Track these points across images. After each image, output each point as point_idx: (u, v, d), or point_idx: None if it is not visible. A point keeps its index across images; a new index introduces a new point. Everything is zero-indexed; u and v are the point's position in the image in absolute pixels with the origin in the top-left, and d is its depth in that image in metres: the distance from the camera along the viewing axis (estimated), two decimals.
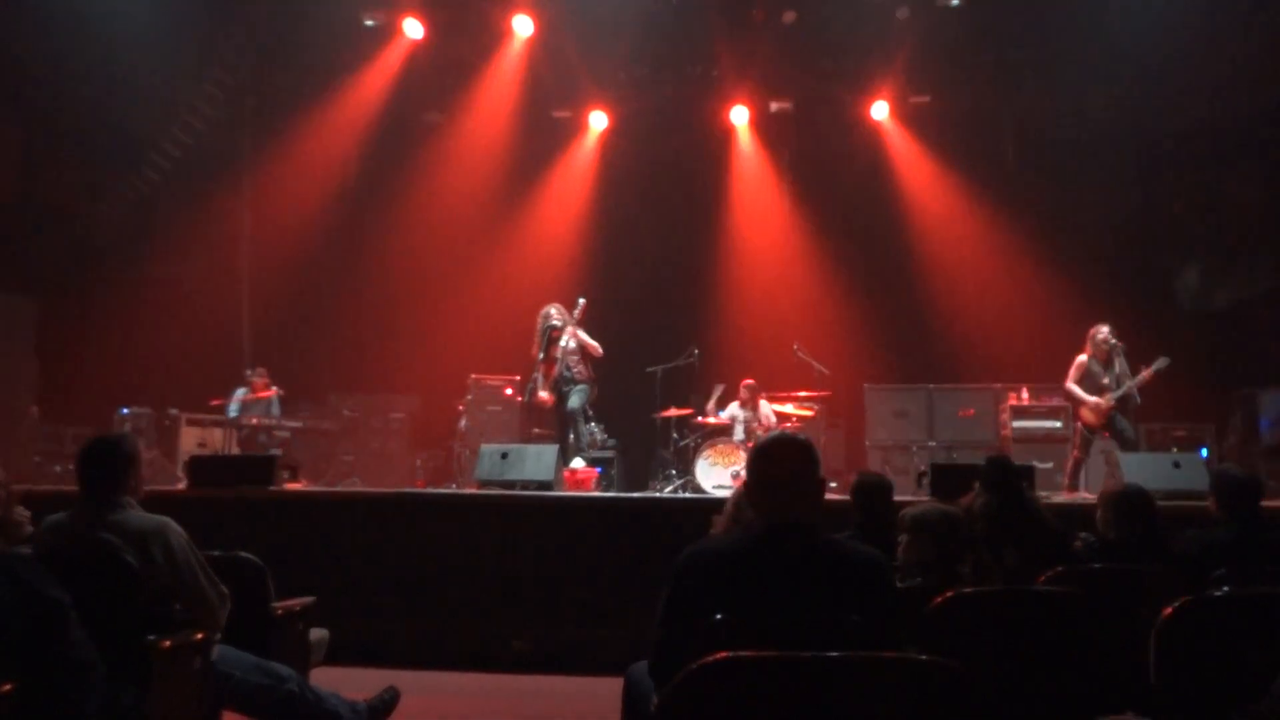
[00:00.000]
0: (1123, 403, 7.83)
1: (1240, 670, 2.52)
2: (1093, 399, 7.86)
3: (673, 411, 9.19)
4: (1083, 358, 8.00)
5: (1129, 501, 4.06)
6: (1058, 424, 9.18)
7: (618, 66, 10.91)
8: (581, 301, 8.29)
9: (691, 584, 2.41)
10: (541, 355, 8.29)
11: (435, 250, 11.32)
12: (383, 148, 11.37)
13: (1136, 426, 8.37)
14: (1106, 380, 7.85)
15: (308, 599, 3.94)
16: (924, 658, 1.87)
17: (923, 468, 7.54)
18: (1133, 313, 9.49)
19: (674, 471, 9.03)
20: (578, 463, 7.94)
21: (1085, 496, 7.18)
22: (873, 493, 4.24)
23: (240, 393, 9.62)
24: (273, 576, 3.72)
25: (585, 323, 8.42)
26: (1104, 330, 7.94)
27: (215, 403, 9.71)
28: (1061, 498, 7.30)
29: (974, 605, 2.78)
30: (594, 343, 8.31)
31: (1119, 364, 7.84)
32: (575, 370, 8.25)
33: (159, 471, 8.90)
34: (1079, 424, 8.10)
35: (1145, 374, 7.71)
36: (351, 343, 11.40)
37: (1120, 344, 7.91)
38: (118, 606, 2.85)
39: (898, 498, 4.35)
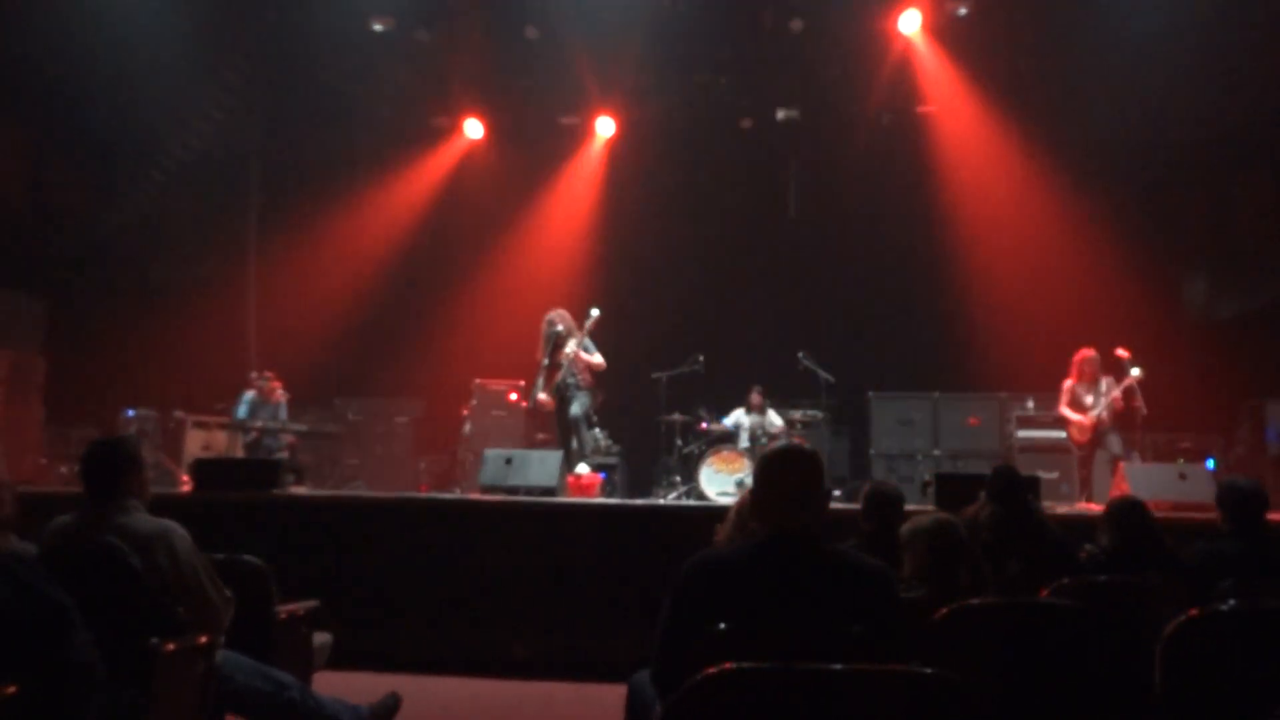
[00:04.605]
0: (1121, 417, 7.94)
1: (1247, 685, 2.51)
2: (1077, 417, 8.22)
3: (677, 418, 9.20)
4: (1069, 383, 8.31)
5: (1118, 511, 4.08)
6: (1063, 435, 9.15)
7: (625, 73, 10.92)
8: (594, 313, 8.11)
9: (695, 592, 2.41)
10: (546, 360, 8.28)
11: (440, 254, 11.35)
12: (389, 151, 11.40)
13: (1143, 437, 8.41)
14: (1089, 400, 8.18)
15: (311, 603, 3.94)
16: (928, 670, 1.86)
17: (927, 477, 7.53)
18: (1139, 323, 9.47)
19: (678, 478, 9.03)
20: (582, 469, 7.93)
21: (1090, 508, 7.16)
22: (884, 503, 4.22)
23: (249, 395, 9.64)
24: (276, 580, 3.72)
25: (594, 333, 8.37)
26: (1090, 355, 8.20)
27: (222, 407, 9.73)
28: (1064, 508, 7.28)
29: (978, 617, 2.77)
30: (598, 359, 8.25)
31: (1105, 384, 8.14)
32: (579, 377, 8.24)
33: (163, 474, 8.91)
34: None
35: (1116, 392, 8.00)
36: (356, 347, 11.41)
37: (1126, 363, 8.05)
38: (121, 609, 2.86)
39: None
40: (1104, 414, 8.06)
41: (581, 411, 8.20)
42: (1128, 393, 7.94)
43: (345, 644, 4.34)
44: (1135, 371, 7.89)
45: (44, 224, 10.24)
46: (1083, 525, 5.12)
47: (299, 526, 6.06)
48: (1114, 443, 8.06)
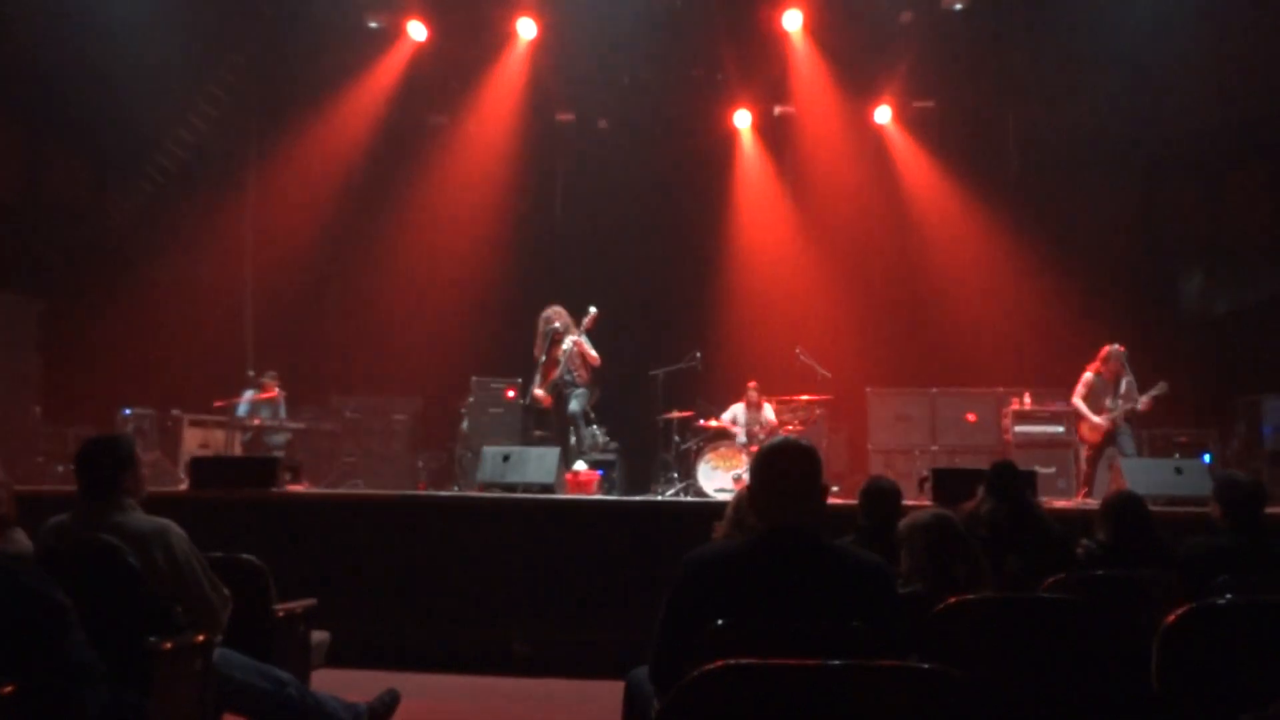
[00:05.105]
0: (1130, 416, 7.94)
1: (1243, 679, 2.52)
2: (1095, 417, 8.00)
3: (675, 414, 9.20)
4: (1089, 375, 8.12)
5: (1118, 507, 4.07)
6: (1060, 429, 9.18)
7: (621, 70, 10.91)
8: (592, 311, 8.20)
9: (693, 588, 2.40)
10: (543, 357, 8.29)
11: (438, 252, 11.33)
12: (386, 150, 11.39)
13: (1139, 433, 8.41)
14: (1108, 401, 8.02)
15: (309, 601, 3.94)
16: (926, 665, 1.86)
17: (925, 472, 7.54)
18: (1136, 318, 9.49)
19: (676, 474, 9.03)
20: (580, 465, 7.94)
21: (1088, 503, 7.17)
22: (882, 498, 4.22)
23: (249, 394, 9.65)
24: (274, 578, 3.72)
25: (592, 330, 8.37)
26: (1117, 350, 8.04)
27: (219, 404, 9.72)
28: (1061, 503, 7.29)
29: (975, 612, 2.77)
30: (594, 353, 8.27)
31: (1125, 384, 7.99)
32: (576, 373, 8.24)
33: (161, 473, 8.91)
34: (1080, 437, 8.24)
35: (1144, 401, 7.88)
36: (354, 344, 11.40)
37: (1122, 355, 8.01)
38: (119, 608, 2.85)
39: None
40: (1119, 416, 7.94)
41: (579, 408, 8.21)
42: (1129, 398, 7.89)
43: (343, 642, 4.34)
44: (1162, 386, 7.83)
45: (41, 222, 10.22)
46: (1080, 520, 5.13)
47: (297, 524, 6.05)
48: (1125, 443, 7.96)
